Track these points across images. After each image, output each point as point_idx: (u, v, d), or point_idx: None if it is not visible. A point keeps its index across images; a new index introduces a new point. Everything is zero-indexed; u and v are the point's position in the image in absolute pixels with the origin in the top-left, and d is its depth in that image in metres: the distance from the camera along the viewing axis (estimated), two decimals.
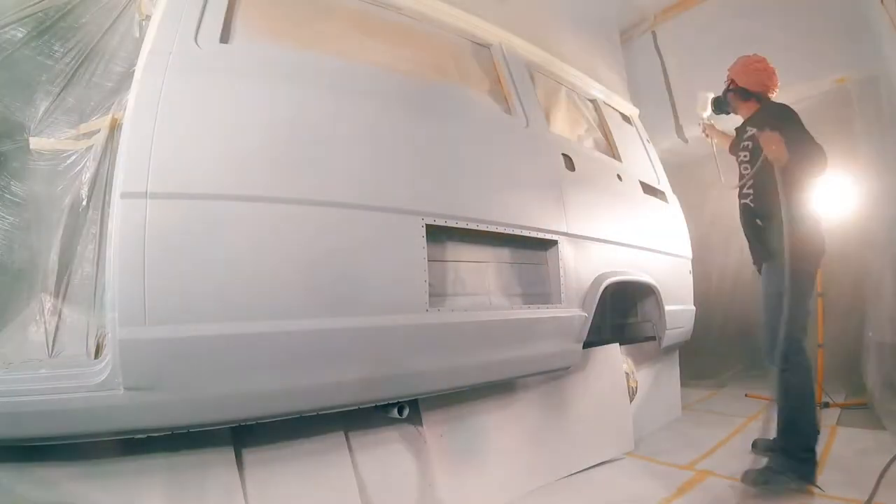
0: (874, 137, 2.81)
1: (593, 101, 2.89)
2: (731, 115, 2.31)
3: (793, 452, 1.80)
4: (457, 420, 1.84)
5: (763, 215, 2.01)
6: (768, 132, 1.85)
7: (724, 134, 2.51)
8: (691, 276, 3.11)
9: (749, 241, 2.15)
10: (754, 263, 2.14)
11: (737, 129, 2.28)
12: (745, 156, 2.13)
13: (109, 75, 1.70)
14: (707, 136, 2.52)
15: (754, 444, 2.27)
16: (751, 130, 2.08)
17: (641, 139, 3.20)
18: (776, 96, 2.18)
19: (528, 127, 2.10)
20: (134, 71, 1.30)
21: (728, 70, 2.25)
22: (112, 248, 1.12)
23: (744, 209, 2.12)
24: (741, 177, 2.16)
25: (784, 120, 1.96)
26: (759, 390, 3.53)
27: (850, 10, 2.99)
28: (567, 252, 2.04)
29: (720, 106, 2.32)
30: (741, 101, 2.20)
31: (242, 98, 1.34)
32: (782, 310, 1.78)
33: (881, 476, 1.88)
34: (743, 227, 2.16)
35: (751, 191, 2.07)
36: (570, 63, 2.74)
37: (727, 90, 2.25)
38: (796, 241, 1.80)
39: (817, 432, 1.82)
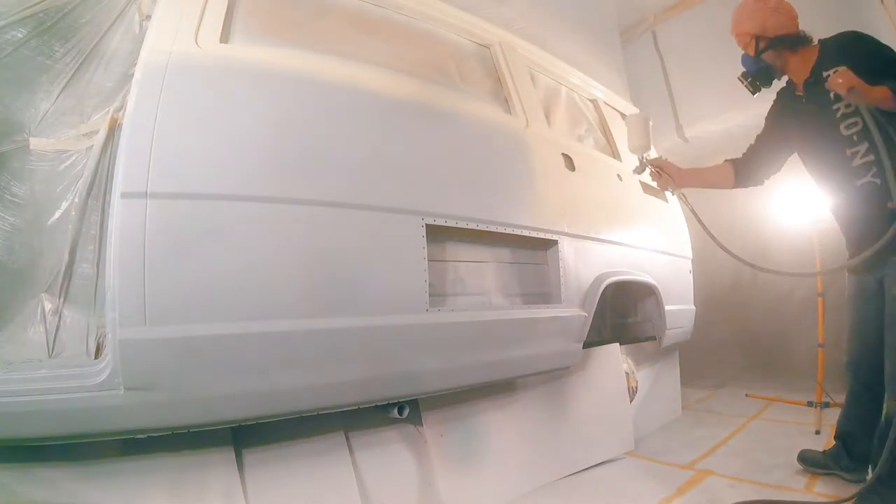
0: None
1: (593, 101, 2.88)
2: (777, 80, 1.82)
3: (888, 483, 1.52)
4: (457, 420, 1.84)
5: None
6: (834, 73, 1.46)
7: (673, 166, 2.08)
8: (691, 275, 3.11)
9: (862, 234, 1.62)
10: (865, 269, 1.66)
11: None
12: (850, 120, 1.60)
13: (109, 75, 1.70)
14: (659, 174, 2.05)
15: (803, 458, 2.01)
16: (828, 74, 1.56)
17: None
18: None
19: (528, 127, 2.11)
20: (134, 71, 1.30)
21: (737, 31, 1.77)
22: (112, 248, 1.12)
23: (865, 189, 1.58)
24: (845, 146, 1.62)
25: (854, 45, 1.58)
26: (759, 390, 3.53)
27: (849, 10, 2.99)
28: (567, 252, 2.04)
29: (761, 78, 1.79)
30: (789, 53, 1.72)
31: (242, 98, 1.34)
32: None
33: None
34: (858, 217, 1.64)
35: (868, 158, 1.56)
36: (570, 63, 2.74)
37: (759, 52, 1.73)
38: None
39: None
